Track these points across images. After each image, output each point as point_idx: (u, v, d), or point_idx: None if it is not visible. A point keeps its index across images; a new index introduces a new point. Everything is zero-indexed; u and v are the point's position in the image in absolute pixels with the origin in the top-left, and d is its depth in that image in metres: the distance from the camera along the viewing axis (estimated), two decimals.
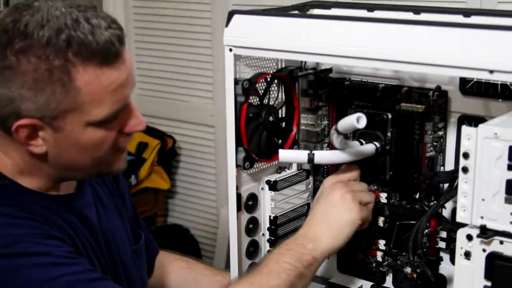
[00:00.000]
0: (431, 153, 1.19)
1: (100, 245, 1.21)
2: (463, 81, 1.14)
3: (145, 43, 3.29)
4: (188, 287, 1.49)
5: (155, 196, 3.26)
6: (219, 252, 3.18)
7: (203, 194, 3.26)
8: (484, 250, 0.95)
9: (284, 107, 1.32)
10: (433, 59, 0.97)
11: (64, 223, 1.14)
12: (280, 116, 1.30)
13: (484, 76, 0.94)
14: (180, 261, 1.53)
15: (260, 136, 1.26)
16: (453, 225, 1.14)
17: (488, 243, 0.95)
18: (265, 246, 1.33)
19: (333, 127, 1.15)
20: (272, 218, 1.31)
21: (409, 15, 1.19)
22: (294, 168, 1.36)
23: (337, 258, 1.37)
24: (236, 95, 1.20)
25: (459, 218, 0.97)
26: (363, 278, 1.34)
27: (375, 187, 1.27)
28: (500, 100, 1.11)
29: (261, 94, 1.26)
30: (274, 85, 1.29)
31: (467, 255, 0.97)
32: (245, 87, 1.20)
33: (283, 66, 1.30)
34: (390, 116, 1.21)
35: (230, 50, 1.17)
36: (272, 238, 1.31)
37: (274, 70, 1.29)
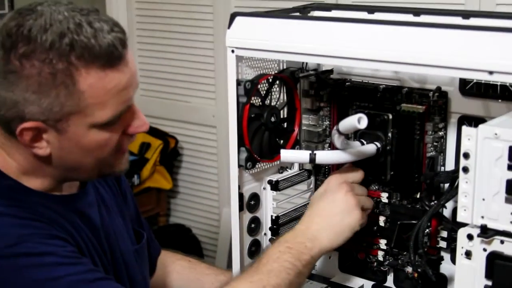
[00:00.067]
0: (431, 153, 1.19)
1: (102, 245, 1.22)
2: (463, 82, 1.15)
3: (147, 44, 3.29)
4: (190, 287, 1.49)
5: (158, 196, 3.26)
6: (221, 252, 3.18)
7: (205, 194, 3.26)
8: (484, 250, 0.96)
9: (285, 108, 1.32)
10: (433, 60, 0.98)
11: (67, 223, 1.14)
12: (281, 116, 1.31)
13: (484, 77, 0.94)
14: (182, 260, 1.53)
15: (262, 136, 1.26)
16: (454, 225, 1.15)
17: (489, 243, 0.95)
18: (267, 245, 1.33)
19: (335, 128, 1.16)
20: (274, 217, 1.31)
21: (409, 17, 1.19)
22: (295, 168, 1.37)
23: (338, 257, 1.37)
24: (238, 96, 1.20)
25: (460, 218, 0.97)
26: (364, 277, 1.34)
27: (376, 187, 1.28)
28: (499, 100, 1.12)
29: (263, 95, 1.27)
30: (276, 86, 1.30)
31: (468, 254, 0.97)
32: (247, 88, 1.20)
33: (285, 67, 1.30)
34: (390, 116, 1.21)
35: (232, 51, 1.18)
36: (274, 238, 1.31)
37: (276, 71, 1.29)
